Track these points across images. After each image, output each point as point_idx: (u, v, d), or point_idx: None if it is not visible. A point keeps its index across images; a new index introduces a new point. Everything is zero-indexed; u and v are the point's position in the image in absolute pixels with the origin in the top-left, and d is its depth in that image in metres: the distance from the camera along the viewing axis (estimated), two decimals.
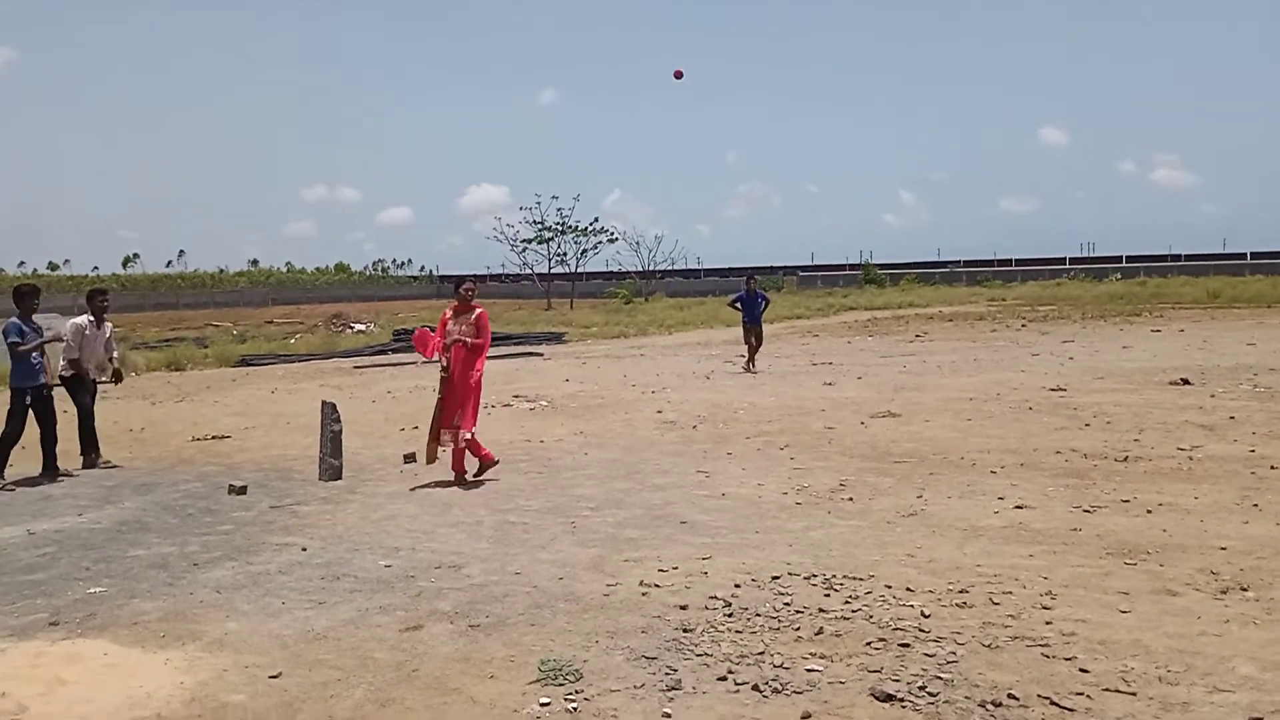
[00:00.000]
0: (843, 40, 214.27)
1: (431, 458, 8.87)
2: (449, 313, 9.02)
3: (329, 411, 9.09)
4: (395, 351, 25.85)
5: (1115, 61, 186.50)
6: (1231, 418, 10.77)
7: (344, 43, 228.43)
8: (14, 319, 9.40)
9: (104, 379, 10.46)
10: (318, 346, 27.42)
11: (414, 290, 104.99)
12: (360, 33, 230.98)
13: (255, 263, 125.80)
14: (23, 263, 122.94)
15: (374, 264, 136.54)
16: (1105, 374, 15.43)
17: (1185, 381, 13.85)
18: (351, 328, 37.25)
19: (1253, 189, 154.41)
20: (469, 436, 8.69)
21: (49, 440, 9.50)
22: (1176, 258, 76.45)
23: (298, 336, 32.56)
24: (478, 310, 8.94)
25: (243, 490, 8.44)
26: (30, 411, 9.32)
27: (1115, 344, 21.17)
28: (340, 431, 9.13)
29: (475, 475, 8.78)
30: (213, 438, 11.76)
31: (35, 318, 9.64)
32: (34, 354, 9.26)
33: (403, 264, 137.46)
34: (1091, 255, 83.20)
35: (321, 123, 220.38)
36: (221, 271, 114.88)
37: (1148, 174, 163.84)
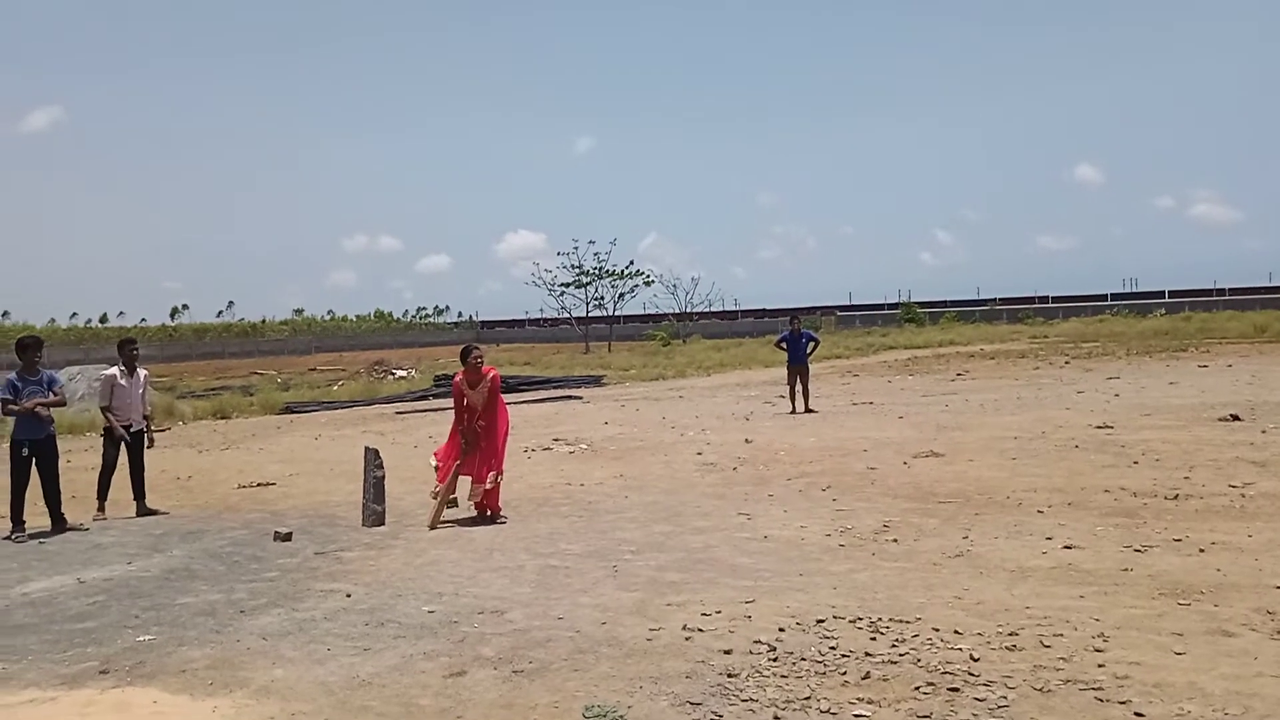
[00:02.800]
0: (873, 80, 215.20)
1: (435, 525, 8.90)
2: (462, 381, 9.31)
3: (372, 457, 9.18)
4: (436, 397, 26.05)
5: (1148, 98, 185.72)
6: None
7: (382, 93, 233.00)
8: (12, 374, 9.45)
9: (148, 429, 10.62)
10: (360, 393, 27.71)
11: (454, 336, 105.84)
12: (397, 82, 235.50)
13: (299, 312, 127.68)
14: (75, 314, 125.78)
15: (414, 311, 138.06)
16: (1152, 410, 15.18)
17: (1235, 418, 13.59)
18: (393, 374, 37.60)
19: None
20: (499, 480, 9.13)
21: (50, 494, 9.45)
22: (1221, 292, 75.25)
23: (340, 384, 32.93)
24: (490, 374, 9.29)
25: (288, 537, 8.52)
26: (34, 464, 9.37)
27: (1162, 380, 20.84)
28: (383, 477, 9.21)
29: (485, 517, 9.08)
30: (258, 485, 11.90)
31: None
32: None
33: (442, 310, 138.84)
34: (1134, 291, 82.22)
35: (361, 173, 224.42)
36: (265, 321, 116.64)
37: (1186, 209, 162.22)
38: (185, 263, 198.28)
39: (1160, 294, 77.85)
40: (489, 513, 9.09)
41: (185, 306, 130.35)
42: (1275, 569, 6.23)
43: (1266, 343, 34.46)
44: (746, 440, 13.86)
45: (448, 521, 8.99)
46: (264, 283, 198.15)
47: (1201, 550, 6.80)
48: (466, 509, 9.32)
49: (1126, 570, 6.38)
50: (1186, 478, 9.51)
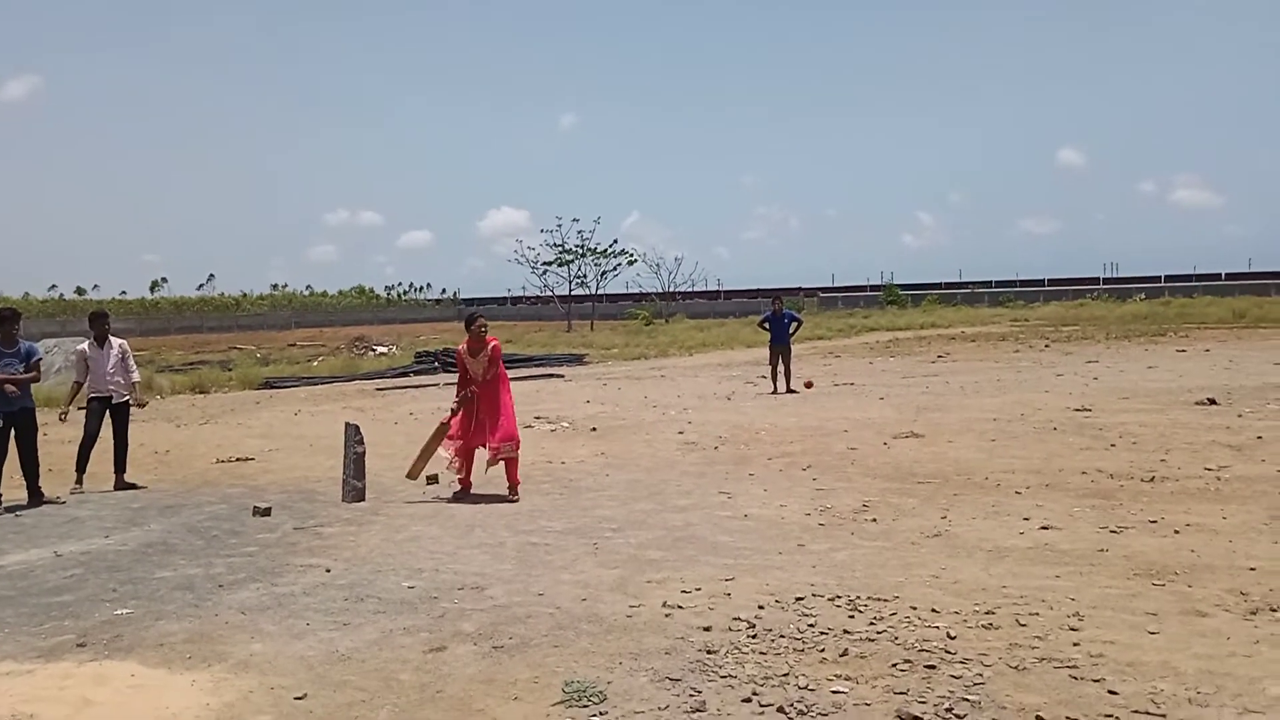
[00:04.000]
0: (856, 62, 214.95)
1: (416, 475, 9.25)
2: (465, 351, 9.23)
3: (352, 433, 9.14)
4: (417, 374, 25.98)
5: (1131, 83, 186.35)
6: (1259, 437, 10.66)
7: (365, 67, 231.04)
8: None
9: (131, 401, 10.54)
10: (340, 369, 27.58)
11: (435, 313, 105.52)
12: (381, 57, 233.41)
13: (278, 286, 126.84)
14: (53, 286, 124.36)
15: (394, 287, 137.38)
16: (1130, 394, 15.30)
17: (1212, 401, 13.71)
18: (374, 350, 37.44)
19: (1277, 209, 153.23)
20: (516, 452, 9.05)
21: (28, 466, 9.38)
22: (1201, 278, 75.81)
23: (320, 359, 32.75)
24: (491, 343, 9.16)
25: (267, 512, 8.49)
26: (11, 436, 9.29)
27: (1140, 364, 21.00)
28: (363, 453, 9.18)
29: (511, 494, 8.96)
30: (237, 460, 11.85)
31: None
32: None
33: (422, 287, 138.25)
34: (1115, 276, 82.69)
35: (343, 147, 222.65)
36: (245, 295, 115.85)
37: (1168, 194, 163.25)
38: (165, 236, 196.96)
39: (1141, 279, 78.31)
40: (511, 488, 8.99)
41: (164, 280, 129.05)
42: (1249, 550, 6.31)
43: (1244, 328, 34.76)
44: (740, 423, 13.88)
45: (431, 500, 8.98)
46: (244, 257, 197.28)
47: (1176, 532, 6.88)
48: (450, 483, 9.31)
49: (1102, 551, 6.44)
50: (1163, 460, 9.61)
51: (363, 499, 9.01)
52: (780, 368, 18.09)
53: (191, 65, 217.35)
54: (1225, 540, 6.61)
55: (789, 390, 17.75)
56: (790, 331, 18.35)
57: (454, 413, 9.21)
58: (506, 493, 8.96)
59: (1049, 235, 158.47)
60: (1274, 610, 5.12)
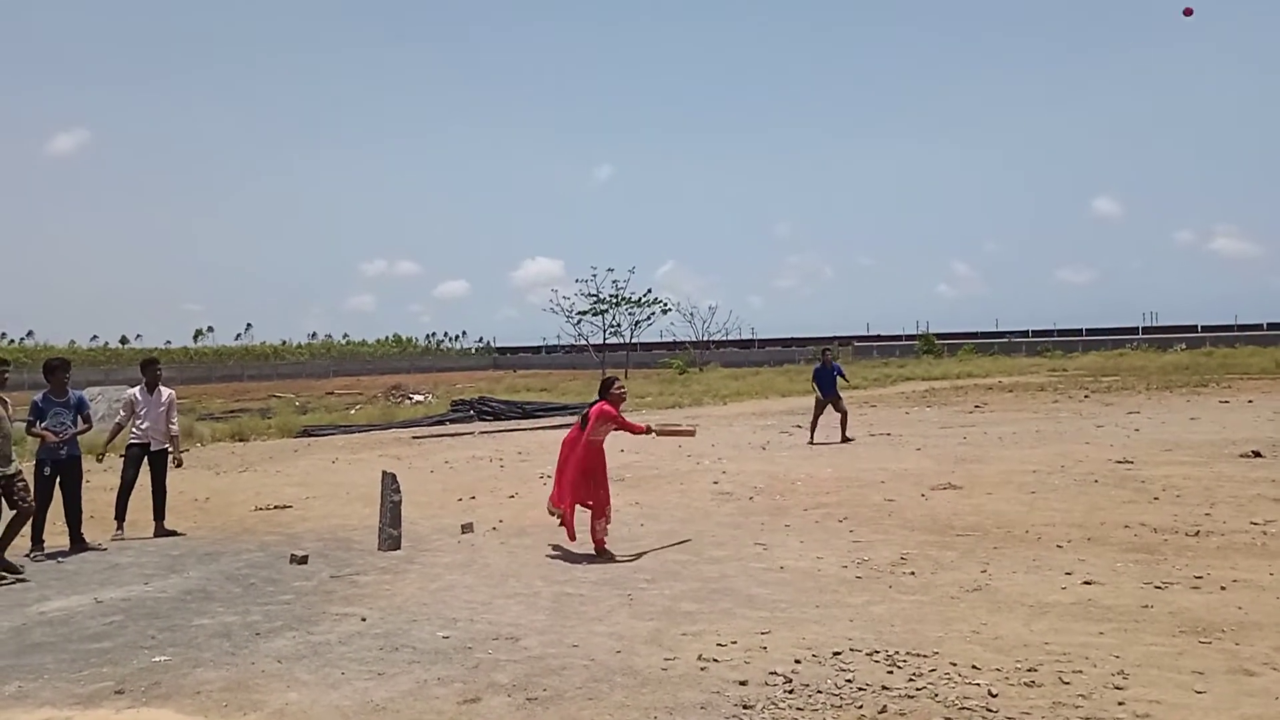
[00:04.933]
0: (890, 112, 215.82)
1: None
2: (612, 412, 8.99)
3: (388, 482, 9.20)
4: (453, 421, 26.12)
5: (1167, 131, 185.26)
6: None
7: (404, 119, 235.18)
8: (39, 395, 9.59)
9: (170, 451, 10.68)
10: (377, 417, 27.78)
11: (470, 361, 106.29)
12: (418, 108, 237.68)
13: (315, 335, 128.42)
14: (95, 336, 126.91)
15: (431, 336, 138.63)
16: (1173, 446, 15.04)
17: (1257, 454, 13.45)
18: (410, 399, 37.70)
19: None
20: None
21: (71, 513, 9.54)
22: (1243, 328, 74.71)
23: (358, 407, 33.04)
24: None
25: (304, 560, 8.53)
26: (56, 483, 9.47)
27: (1182, 415, 20.67)
28: (399, 502, 9.23)
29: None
30: (275, 507, 11.94)
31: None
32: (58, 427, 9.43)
33: (458, 336, 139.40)
34: (1154, 325, 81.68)
35: (381, 198, 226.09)
36: (284, 344, 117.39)
37: (1206, 244, 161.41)
38: (206, 285, 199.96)
39: (1182, 328, 77.30)
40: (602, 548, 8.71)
41: (210, 329, 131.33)
42: None
43: None
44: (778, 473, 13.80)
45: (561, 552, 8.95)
46: (283, 306, 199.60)
47: (1222, 588, 6.73)
48: (493, 526, 9.31)
49: (1147, 607, 6.31)
50: (1207, 514, 9.42)
51: (398, 547, 9.03)
52: (823, 418, 18.11)
53: (234, 115, 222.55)
54: (1273, 596, 6.45)
55: (844, 439, 17.70)
56: (838, 384, 18.49)
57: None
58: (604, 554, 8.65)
59: (1086, 285, 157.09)
60: None
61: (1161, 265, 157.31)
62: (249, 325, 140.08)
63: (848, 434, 17.90)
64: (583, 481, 8.72)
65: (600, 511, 8.71)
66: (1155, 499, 10.38)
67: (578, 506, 8.75)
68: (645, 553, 8.58)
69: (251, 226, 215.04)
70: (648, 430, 9.38)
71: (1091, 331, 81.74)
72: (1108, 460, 13.52)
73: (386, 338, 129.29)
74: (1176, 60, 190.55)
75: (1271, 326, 74.03)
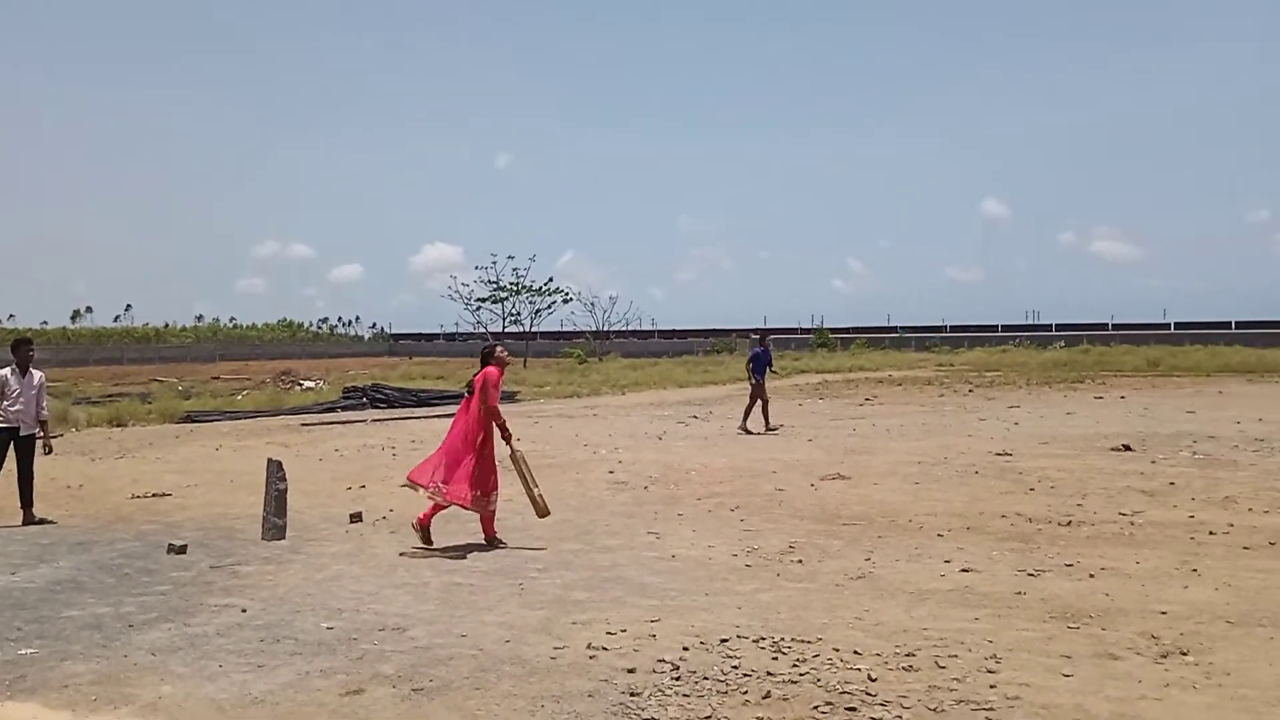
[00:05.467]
0: (788, 108, 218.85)
1: (542, 509, 8.72)
2: (498, 378, 8.73)
3: (274, 469, 8.96)
4: (345, 409, 25.58)
5: (1053, 137, 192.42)
6: (1171, 484, 10.99)
7: (296, 99, 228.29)
8: None
9: (40, 436, 10.20)
10: (265, 404, 27.02)
11: (365, 348, 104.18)
12: (313, 89, 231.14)
13: (202, 318, 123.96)
14: None
15: (325, 321, 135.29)
16: (1050, 439, 15.69)
17: (1127, 448, 14.12)
18: (300, 385, 36.79)
19: (1192, 263, 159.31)
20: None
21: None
22: (1119, 327, 78.24)
23: (245, 393, 32.06)
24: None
25: (182, 549, 8.25)
26: None
27: (1059, 410, 21.55)
28: (285, 490, 8.99)
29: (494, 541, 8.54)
30: (153, 495, 11.51)
31: None
32: None
33: (351, 321, 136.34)
34: (1038, 323, 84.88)
35: (275, 179, 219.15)
36: (168, 326, 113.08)
37: (1087, 246, 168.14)
38: (90, 265, 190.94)
39: (1062, 327, 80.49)
40: (494, 537, 8.54)
41: (89, 309, 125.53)
42: (1160, 595, 6.48)
43: (1159, 376, 35.95)
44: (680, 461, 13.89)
45: (429, 549, 8.73)
46: (168, 287, 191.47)
47: (1091, 575, 7.04)
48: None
49: (1020, 594, 6.56)
50: (1079, 505, 9.85)
51: (283, 537, 8.81)
52: (760, 405, 18.25)
53: (119, 91, 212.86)
54: (1138, 584, 6.78)
55: (743, 428, 17.87)
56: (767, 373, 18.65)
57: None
58: (489, 542, 8.52)
59: (973, 283, 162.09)
60: (1184, 654, 5.25)
61: (1046, 265, 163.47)
62: (129, 306, 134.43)
63: (747, 425, 18.04)
64: (460, 459, 8.42)
65: (477, 494, 8.43)
66: (1031, 490, 10.81)
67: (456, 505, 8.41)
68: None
69: (136, 204, 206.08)
70: (512, 440, 8.73)
71: (977, 328, 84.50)
72: (988, 452, 14.02)
73: (276, 322, 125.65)
74: (1061, 68, 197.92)
75: (1146, 327, 77.76)
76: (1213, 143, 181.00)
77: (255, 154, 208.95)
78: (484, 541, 8.49)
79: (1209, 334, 66.52)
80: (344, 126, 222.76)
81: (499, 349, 8.93)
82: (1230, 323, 73.46)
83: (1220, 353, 46.38)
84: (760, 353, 18.88)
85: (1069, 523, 8.97)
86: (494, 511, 8.61)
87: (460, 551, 8.23)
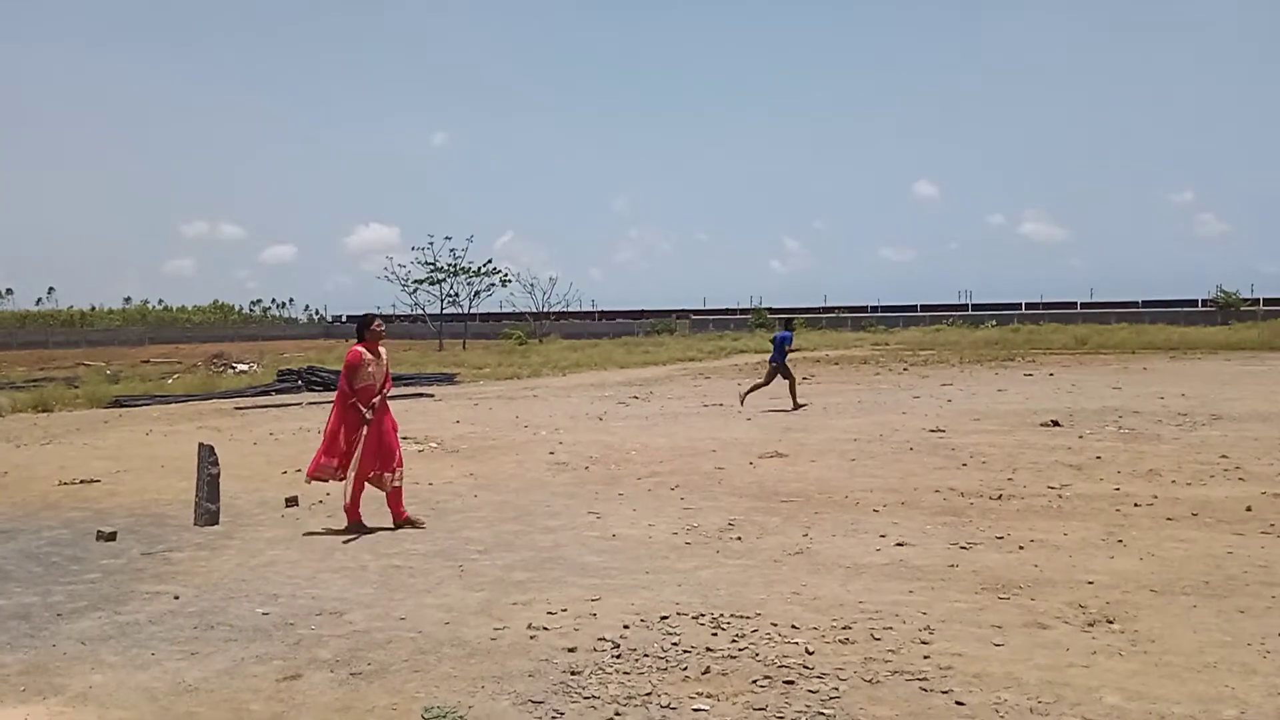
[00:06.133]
0: (722, 88, 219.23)
1: (355, 514, 8.38)
2: (366, 354, 8.46)
3: (206, 454, 8.79)
4: (279, 392, 25.17)
5: (982, 120, 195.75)
6: (1098, 457, 11.31)
7: (226, 74, 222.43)
8: None
9: None
10: (196, 387, 26.45)
11: (299, 330, 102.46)
12: (244, 65, 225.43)
13: (129, 300, 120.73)
14: None
15: (258, 303, 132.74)
16: (981, 416, 16.03)
17: (1055, 423, 14.49)
18: (233, 368, 36.06)
19: (1118, 244, 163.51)
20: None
21: None
22: (1049, 305, 79.98)
23: (175, 377, 31.35)
24: (384, 350, 8.73)
25: (112, 537, 8.06)
26: None
27: (991, 387, 22.00)
28: (218, 475, 8.83)
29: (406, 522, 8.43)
30: (81, 482, 11.22)
31: None
32: None
33: (285, 303, 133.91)
34: (972, 302, 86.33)
35: (204, 157, 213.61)
36: (94, 309, 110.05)
37: (1016, 227, 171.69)
38: (8, 245, 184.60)
39: (994, 305, 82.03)
40: (405, 520, 8.41)
41: (9, 291, 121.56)
42: (1087, 565, 6.67)
43: (1086, 354, 36.88)
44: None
45: (325, 532, 8.68)
46: (92, 269, 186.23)
47: (1021, 547, 7.22)
48: (312, 505, 9.01)
49: (953, 566, 6.71)
50: (1010, 479, 10.08)
51: (216, 522, 8.65)
52: (786, 384, 18.50)
53: (36, 62, 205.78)
54: (1066, 555, 6.97)
55: (796, 406, 18.06)
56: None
57: (369, 425, 8.36)
58: (403, 523, 8.39)
59: (907, 263, 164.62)
60: (1110, 622, 5.42)
61: (976, 246, 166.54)
62: (51, 289, 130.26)
63: (745, 396, 18.69)
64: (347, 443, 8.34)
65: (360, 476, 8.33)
66: (964, 465, 11.03)
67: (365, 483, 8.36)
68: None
69: (57, 182, 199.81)
70: (367, 407, 8.37)
71: (911, 308, 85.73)
72: (922, 429, 14.28)
73: (207, 304, 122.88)
74: (993, 50, 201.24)
75: (1074, 305, 79.59)
76: (1137, 126, 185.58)
77: (183, 131, 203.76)
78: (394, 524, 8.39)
79: (1134, 312, 68.39)
80: (274, 103, 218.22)
81: (375, 321, 8.66)
82: (1153, 301, 75.47)
83: (1145, 330, 47.73)
84: (784, 336, 19.12)
85: (1000, 496, 9.17)
86: (395, 489, 8.46)
87: (399, 534, 8.16)
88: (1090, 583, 6.22)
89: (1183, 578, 6.31)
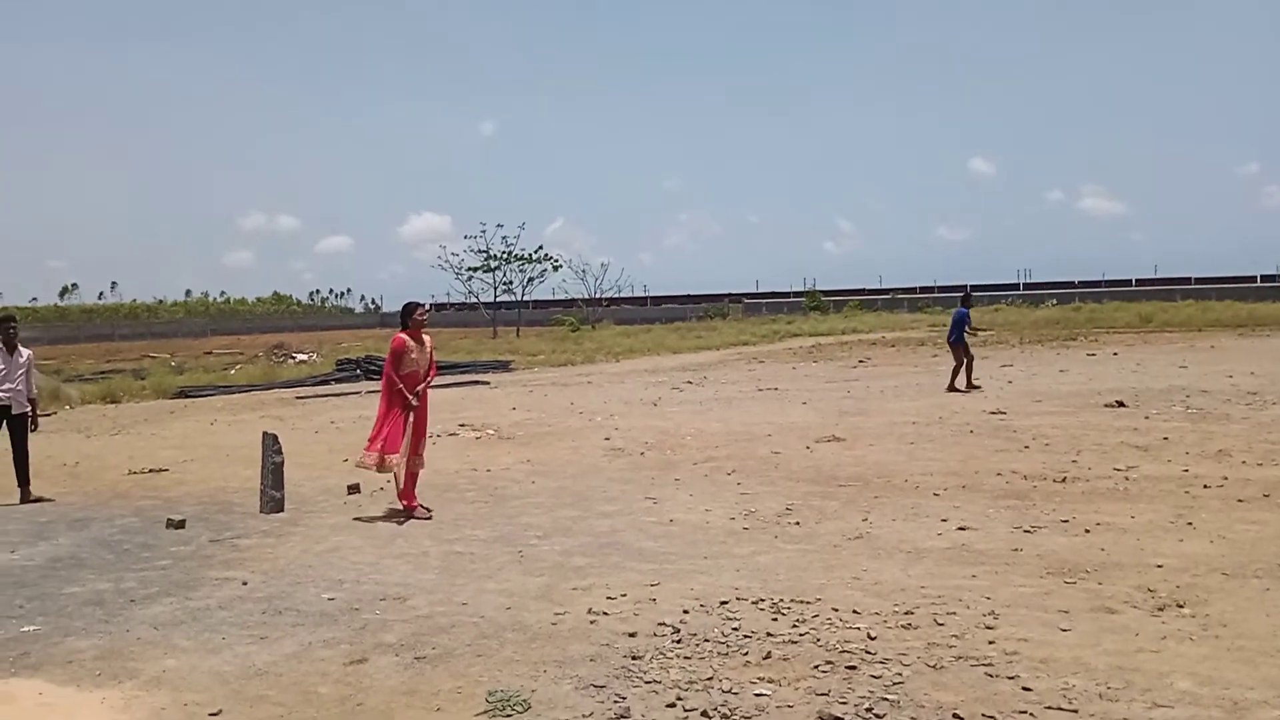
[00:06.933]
0: (772, 71, 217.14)
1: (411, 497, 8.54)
2: (409, 341, 8.62)
3: (270, 443, 8.95)
4: (338, 381, 25.56)
5: (1038, 94, 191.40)
6: (1165, 439, 11.05)
7: (278, 68, 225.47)
8: None
9: (33, 413, 10.16)
10: (258, 377, 26.98)
11: (356, 319, 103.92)
12: (296, 59, 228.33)
13: (190, 293, 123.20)
14: None
15: (316, 293, 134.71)
16: (1043, 397, 15.74)
17: (1120, 404, 14.18)
18: (293, 358, 36.71)
19: (1181, 218, 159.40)
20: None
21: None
22: (1110, 283, 78.33)
23: (238, 367, 32.02)
24: (428, 338, 8.86)
25: (181, 524, 8.26)
26: None
27: (1052, 368, 21.61)
28: (282, 463, 8.99)
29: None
30: (150, 471, 11.50)
31: None
32: None
33: (342, 294, 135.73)
34: (1030, 281, 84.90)
35: (259, 150, 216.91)
36: (159, 302, 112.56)
37: (1075, 203, 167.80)
38: (71, 241, 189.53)
39: (1055, 284, 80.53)
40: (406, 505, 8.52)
41: (75, 286, 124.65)
42: (1156, 548, 6.53)
43: (1150, 332, 36.07)
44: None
45: (369, 519, 8.82)
46: (154, 263, 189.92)
47: (1087, 531, 7.09)
48: (374, 492, 9.15)
49: (1016, 550, 6.61)
50: (1074, 461, 9.90)
51: (281, 510, 8.82)
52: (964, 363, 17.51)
53: (95, 62, 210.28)
54: (1133, 539, 6.83)
55: (956, 386, 17.32)
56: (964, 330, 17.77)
57: (412, 411, 8.53)
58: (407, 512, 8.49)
59: (963, 242, 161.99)
60: (1180, 606, 5.30)
61: (1034, 223, 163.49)
62: (114, 283, 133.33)
63: (958, 384, 17.35)
64: (390, 428, 8.51)
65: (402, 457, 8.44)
66: (1026, 448, 10.85)
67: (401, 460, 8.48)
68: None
69: (119, 179, 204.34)
70: (412, 394, 8.54)
71: (970, 287, 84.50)
72: (982, 411, 14.07)
73: (267, 296, 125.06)
74: (1044, 27, 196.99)
75: (1138, 283, 77.84)
76: (1200, 97, 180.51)
77: (239, 126, 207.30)
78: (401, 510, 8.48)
79: (1200, 289, 66.67)
80: (326, 96, 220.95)
81: (418, 309, 8.77)
82: (1218, 276, 73.46)
83: (1211, 307, 46.52)
84: (962, 313, 18.06)
85: (1064, 479, 9.01)
86: (407, 475, 8.52)
87: (459, 521, 8.24)
88: (1159, 566, 6.09)
89: (1255, 560, 6.15)
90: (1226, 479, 8.73)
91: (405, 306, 8.84)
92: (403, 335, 8.67)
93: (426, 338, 8.84)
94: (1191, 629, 4.93)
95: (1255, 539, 6.68)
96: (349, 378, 26.23)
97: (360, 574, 6.61)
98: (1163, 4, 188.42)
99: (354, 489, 9.64)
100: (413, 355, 8.63)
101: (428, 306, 8.98)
